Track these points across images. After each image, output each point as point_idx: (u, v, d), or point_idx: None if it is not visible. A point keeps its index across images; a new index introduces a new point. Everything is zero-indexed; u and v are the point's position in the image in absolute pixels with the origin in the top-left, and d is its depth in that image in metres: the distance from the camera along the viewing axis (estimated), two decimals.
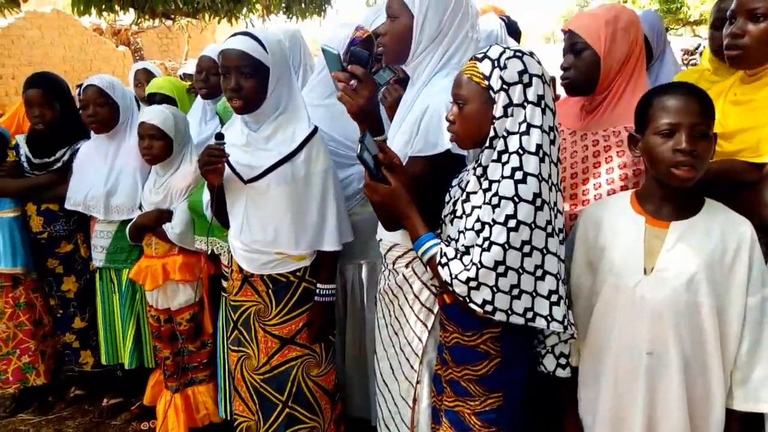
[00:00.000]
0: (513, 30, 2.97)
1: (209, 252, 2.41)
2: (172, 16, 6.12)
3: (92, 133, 2.70)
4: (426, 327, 1.78)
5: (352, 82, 1.54)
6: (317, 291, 2.08)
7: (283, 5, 6.90)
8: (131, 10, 5.21)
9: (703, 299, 1.38)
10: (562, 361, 1.57)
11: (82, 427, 2.88)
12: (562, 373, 1.57)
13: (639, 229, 1.46)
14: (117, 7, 4.91)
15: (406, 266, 1.80)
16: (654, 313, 1.41)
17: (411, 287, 1.79)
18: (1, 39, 10.25)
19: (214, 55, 2.70)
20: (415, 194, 1.54)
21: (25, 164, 2.76)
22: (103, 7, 4.58)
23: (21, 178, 2.76)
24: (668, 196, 1.43)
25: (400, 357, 1.85)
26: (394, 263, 1.83)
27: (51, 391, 3.08)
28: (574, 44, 1.73)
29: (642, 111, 1.44)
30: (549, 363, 1.58)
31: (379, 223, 1.84)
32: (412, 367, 1.81)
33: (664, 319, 1.40)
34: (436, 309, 1.76)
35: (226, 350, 2.33)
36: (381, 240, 1.87)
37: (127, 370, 2.78)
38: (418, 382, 1.80)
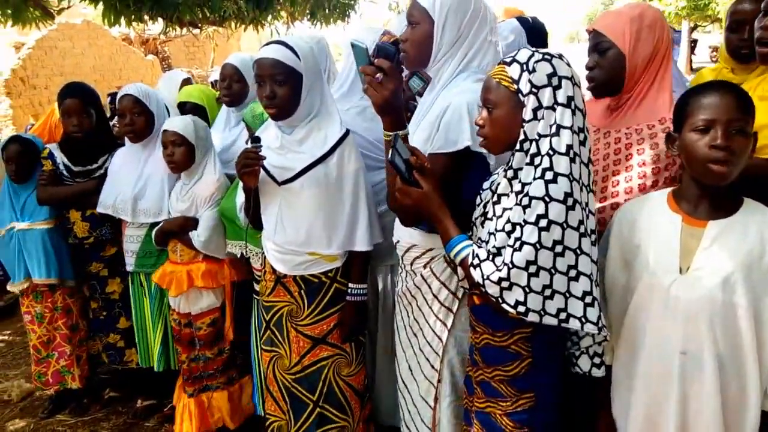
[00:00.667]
0: (538, 31, 2.95)
1: (239, 256, 2.44)
2: (199, 25, 6.22)
3: (126, 140, 2.75)
4: (446, 326, 1.79)
5: (378, 75, 1.55)
6: (349, 291, 2.10)
7: (308, 12, 6.96)
8: (159, 19, 5.30)
9: (740, 300, 1.36)
10: (597, 360, 1.57)
11: (116, 428, 2.95)
12: (597, 372, 1.57)
13: (675, 228, 1.44)
14: (146, 17, 5.01)
15: (425, 267, 1.81)
16: (688, 313, 1.40)
17: (430, 287, 1.80)
18: (35, 50, 10.53)
19: (236, 62, 2.75)
20: (444, 196, 1.55)
21: (64, 172, 2.82)
22: (133, 17, 4.67)
23: (61, 186, 2.82)
24: (705, 194, 1.42)
25: (419, 357, 1.86)
26: (412, 264, 1.85)
27: (86, 393, 3.16)
28: (598, 43, 1.72)
29: (679, 110, 1.43)
30: (584, 363, 1.57)
31: (396, 224, 1.85)
32: (432, 367, 1.82)
33: (699, 319, 1.38)
34: (455, 308, 1.78)
35: (259, 351, 2.36)
36: (398, 241, 1.89)
37: (160, 372, 2.82)
38: (439, 381, 1.81)
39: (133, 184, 2.65)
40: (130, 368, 2.98)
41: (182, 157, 2.48)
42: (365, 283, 2.14)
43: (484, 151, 1.64)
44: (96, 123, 2.82)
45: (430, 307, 1.81)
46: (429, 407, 1.85)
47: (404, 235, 1.84)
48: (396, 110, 1.60)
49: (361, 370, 2.20)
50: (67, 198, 2.82)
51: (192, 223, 2.51)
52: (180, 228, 2.53)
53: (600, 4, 35.78)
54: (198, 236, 2.48)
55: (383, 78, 1.55)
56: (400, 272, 1.95)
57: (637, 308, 1.50)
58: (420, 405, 1.88)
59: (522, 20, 2.83)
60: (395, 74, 1.57)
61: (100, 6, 4.25)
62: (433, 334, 1.81)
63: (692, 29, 21.05)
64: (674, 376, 1.42)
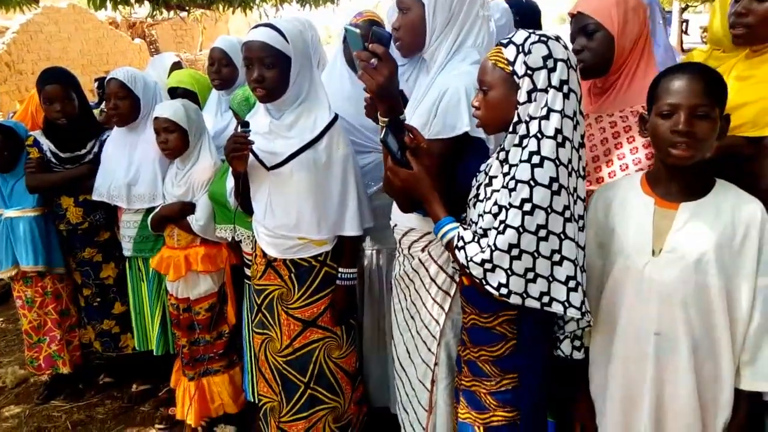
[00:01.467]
0: (531, 11, 2.93)
1: (230, 239, 2.45)
2: (187, 8, 6.14)
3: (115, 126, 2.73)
4: (443, 309, 1.80)
5: (373, 60, 1.55)
6: (339, 275, 2.12)
7: None
8: (146, 2, 5.23)
9: (712, 280, 1.38)
10: (577, 343, 1.59)
11: (111, 413, 2.97)
12: (577, 355, 1.60)
13: (648, 210, 1.46)
14: (132, 1, 4.94)
15: (422, 250, 1.82)
16: (662, 294, 1.42)
17: (427, 271, 1.82)
18: (20, 35, 10.37)
19: (224, 46, 2.72)
20: (437, 178, 1.55)
21: (52, 159, 2.80)
22: (119, 1, 4.61)
23: (50, 173, 2.80)
24: (676, 176, 1.43)
25: (416, 340, 1.88)
26: (409, 248, 1.86)
27: (81, 378, 3.17)
28: (585, 26, 1.71)
29: (650, 92, 1.45)
30: (566, 347, 1.60)
31: (393, 209, 1.86)
32: (429, 350, 1.84)
33: (673, 300, 1.41)
34: (452, 292, 1.79)
35: (251, 335, 2.38)
36: (396, 225, 1.89)
37: (156, 356, 2.84)
38: (436, 364, 1.84)
39: (125, 170, 2.64)
40: (124, 354, 2.99)
41: (176, 142, 2.46)
42: (355, 267, 2.16)
43: (483, 135, 1.65)
44: (78, 107, 2.79)
45: (428, 291, 1.83)
46: (426, 390, 1.87)
47: (402, 219, 1.85)
48: (392, 96, 1.59)
49: (351, 352, 2.23)
50: (59, 184, 2.81)
51: (189, 207, 2.50)
52: (178, 213, 2.52)
53: None
54: (197, 221, 2.48)
55: (378, 63, 1.55)
56: (397, 256, 1.96)
57: (612, 290, 1.52)
58: (417, 387, 1.90)
59: (514, 1, 2.82)
60: (389, 59, 1.56)
61: None
62: (431, 317, 1.83)
63: (683, 10, 20.98)
64: (649, 357, 1.44)
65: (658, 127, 1.39)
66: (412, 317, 1.89)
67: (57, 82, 2.73)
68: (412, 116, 1.75)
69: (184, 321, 2.62)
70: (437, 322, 1.82)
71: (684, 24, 21.94)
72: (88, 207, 2.80)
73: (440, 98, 1.67)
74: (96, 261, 2.89)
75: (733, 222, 1.38)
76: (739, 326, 1.41)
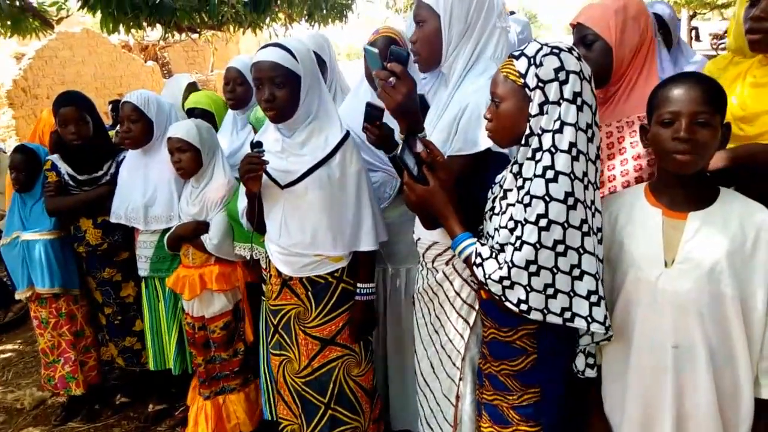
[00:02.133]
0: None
1: (249, 258, 2.45)
2: (198, 30, 6.23)
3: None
4: (468, 324, 1.78)
5: (391, 79, 1.56)
6: (358, 290, 2.11)
7: (305, 13, 6.96)
8: (158, 25, 5.31)
9: (726, 289, 1.36)
10: (590, 360, 1.57)
11: None
12: (590, 373, 1.57)
13: (656, 222, 1.44)
14: (144, 24, 5.02)
15: (446, 264, 1.80)
16: (677, 306, 1.39)
17: (452, 284, 1.80)
18: (36, 60, 10.58)
19: (239, 66, 2.75)
20: (454, 193, 1.54)
21: (70, 182, 2.83)
22: (131, 24, 4.68)
23: (68, 195, 2.83)
24: (681, 185, 1.42)
25: (441, 355, 1.85)
26: (433, 261, 1.84)
27: (98, 399, 3.17)
28: (584, 36, 1.71)
29: (650, 103, 1.44)
30: (580, 363, 1.57)
31: (417, 222, 1.85)
32: (454, 365, 1.82)
33: (688, 311, 1.38)
34: (477, 305, 1.76)
35: (267, 354, 2.36)
36: (419, 239, 1.88)
37: (171, 376, 2.84)
38: (461, 379, 1.81)
39: (142, 191, 2.66)
40: (146, 369, 2.98)
41: (189, 162, 2.48)
42: (373, 282, 2.14)
43: (505, 150, 1.64)
44: (94, 130, 2.82)
45: (452, 305, 1.80)
46: (451, 405, 1.84)
47: (425, 233, 1.83)
48: (411, 113, 1.59)
49: (369, 369, 2.20)
50: (77, 206, 2.84)
51: (203, 226, 2.52)
52: (192, 232, 2.53)
53: None
54: (210, 239, 2.49)
55: (396, 82, 1.55)
56: (420, 270, 1.94)
57: (624, 305, 1.49)
58: (442, 403, 1.87)
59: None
60: (407, 78, 1.57)
61: (99, 14, 4.26)
62: (455, 332, 1.80)
63: (691, 17, 20.94)
64: (668, 370, 1.41)
65: (659, 135, 1.38)
66: (435, 331, 1.87)
67: (71, 105, 2.77)
68: (432, 132, 1.75)
69: (199, 339, 2.62)
70: (462, 336, 1.79)
71: (694, 31, 21.88)
72: (107, 228, 2.83)
73: (461, 114, 1.66)
74: (116, 280, 2.91)
75: (743, 229, 1.36)
76: (756, 335, 1.39)
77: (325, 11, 7.10)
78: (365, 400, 2.18)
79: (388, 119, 1.77)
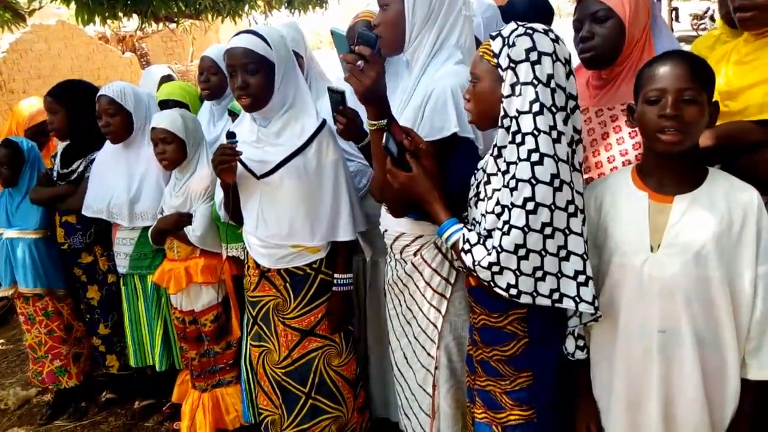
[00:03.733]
0: (543, 8, 2.81)
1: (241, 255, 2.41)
2: (175, 19, 6.14)
3: (108, 141, 2.69)
4: (440, 312, 1.79)
5: (360, 62, 1.54)
6: (335, 281, 2.10)
7: (285, 0, 6.90)
8: (134, 16, 5.22)
9: (713, 272, 1.36)
10: (580, 342, 1.57)
11: (115, 430, 2.95)
12: (580, 355, 1.58)
13: (642, 206, 1.44)
14: (120, 15, 4.93)
15: (415, 254, 1.80)
16: (664, 291, 1.39)
17: (422, 275, 1.80)
18: (10, 54, 10.34)
19: (212, 55, 2.71)
20: (439, 179, 1.53)
21: (55, 174, 2.82)
22: (107, 15, 4.59)
23: (48, 187, 2.82)
24: (668, 167, 1.41)
25: (414, 346, 1.86)
26: (401, 252, 1.84)
27: (84, 396, 3.16)
28: (595, 12, 1.66)
29: (637, 82, 1.43)
30: (570, 345, 1.58)
31: (383, 214, 1.84)
32: (428, 354, 1.82)
33: (675, 296, 1.38)
34: (448, 294, 1.78)
35: (248, 347, 2.35)
36: (386, 231, 1.87)
37: (157, 371, 2.82)
38: (436, 368, 1.82)
39: (126, 186, 2.60)
40: (115, 374, 3.00)
41: (174, 153, 2.43)
42: (351, 272, 2.14)
43: (471, 135, 1.63)
44: (68, 123, 2.74)
45: (423, 295, 1.81)
46: (427, 395, 1.85)
47: (392, 224, 1.83)
48: (379, 98, 1.57)
49: (351, 359, 2.20)
50: (44, 200, 2.83)
51: (186, 219, 2.48)
52: (173, 225, 2.49)
53: None
54: (193, 231, 2.45)
55: (364, 65, 1.53)
56: (388, 261, 1.94)
57: (610, 289, 1.50)
58: (418, 393, 1.88)
59: None
60: (377, 61, 1.54)
61: (73, 5, 4.18)
62: (428, 321, 1.81)
63: None
64: (654, 354, 1.42)
65: (645, 114, 1.37)
66: (408, 322, 1.87)
67: (50, 94, 2.74)
68: (399, 119, 1.73)
69: (191, 333, 2.60)
70: (435, 325, 1.80)
71: (674, 12, 21.93)
72: (68, 229, 2.80)
73: (426, 100, 1.65)
74: (83, 281, 2.88)
75: (730, 211, 1.36)
76: (743, 316, 1.40)
77: None
78: (347, 390, 2.18)
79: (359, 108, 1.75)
